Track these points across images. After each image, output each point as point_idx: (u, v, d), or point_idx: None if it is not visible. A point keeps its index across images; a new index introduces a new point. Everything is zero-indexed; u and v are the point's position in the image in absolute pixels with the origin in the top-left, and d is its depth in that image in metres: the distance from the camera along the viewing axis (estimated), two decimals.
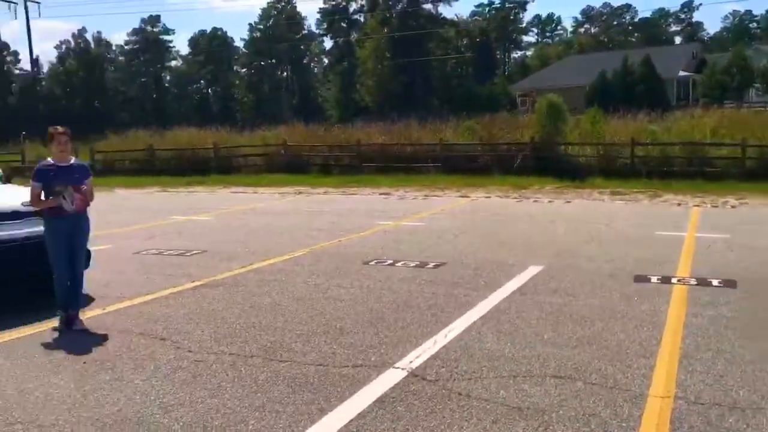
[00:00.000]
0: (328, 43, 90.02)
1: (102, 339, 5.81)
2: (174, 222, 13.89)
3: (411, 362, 5.04)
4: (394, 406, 4.26)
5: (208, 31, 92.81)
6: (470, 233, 11.61)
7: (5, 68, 78.62)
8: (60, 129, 6.01)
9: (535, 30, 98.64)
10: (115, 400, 4.40)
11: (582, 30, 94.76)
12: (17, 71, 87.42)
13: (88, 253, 7.01)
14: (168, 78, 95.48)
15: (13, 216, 6.60)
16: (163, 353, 5.37)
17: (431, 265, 8.73)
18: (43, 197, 5.99)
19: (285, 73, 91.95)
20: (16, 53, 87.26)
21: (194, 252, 10.06)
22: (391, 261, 9.02)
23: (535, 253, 9.45)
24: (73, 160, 6.15)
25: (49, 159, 6.10)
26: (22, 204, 6.36)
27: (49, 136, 6.03)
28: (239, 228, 12.77)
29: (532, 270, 8.30)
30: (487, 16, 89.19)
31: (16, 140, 35.52)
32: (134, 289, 7.72)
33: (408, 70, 66.31)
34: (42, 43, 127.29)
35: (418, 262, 8.88)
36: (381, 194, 19.04)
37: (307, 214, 14.95)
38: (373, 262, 8.95)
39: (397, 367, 4.95)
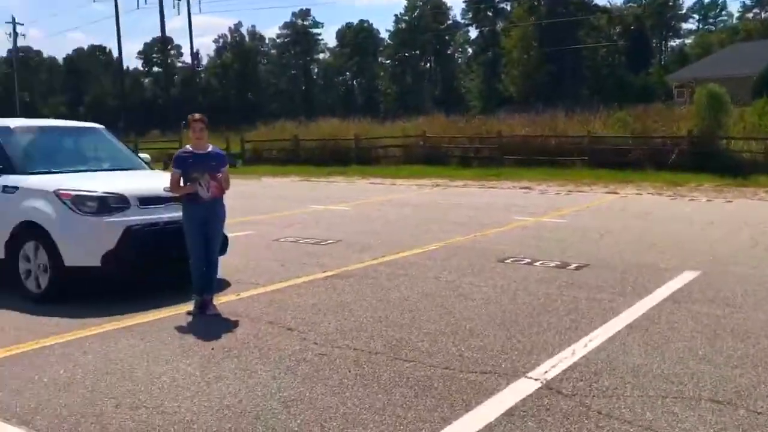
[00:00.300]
0: (473, 33, 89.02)
1: (232, 325, 5.84)
2: (313, 211, 14.10)
3: (545, 372, 4.63)
4: (525, 421, 3.89)
5: (355, 24, 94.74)
6: (617, 233, 10.84)
7: (169, 61, 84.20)
8: (197, 116, 6.11)
9: (696, 16, 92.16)
10: (237, 391, 4.35)
11: (750, 15, 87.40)
12: (179, 64, 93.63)
13: (225, 239, 7.13)
14: (316, 70, 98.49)
15: (156, 201, 6.82)
16: (289, 344, 5.30)
17: (572, 266, 8.16)
18: (182, 183, 6.13)
19: (428, 64, 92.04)
20: (178, 47, 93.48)
21: (329, 241, 10.08)
22: (528, 260, 8.53)
23: (691, 257, 8.61)
24: (210, 148, 6.24)
25: (188, 146, 6.22)
26: (164, 189, 6.53)
27: (188, 124, 6.15)
28: (375, 219, 12.72)
29: (687, 276, 7.53)
30: (643, 2, 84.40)
31: (177, 129, 37.92)
32: (268, 276, 7.79)
33: (555, 58, 64.11)
34: (202, 37, 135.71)
35: (558, 263, 8.35)
36: (521, 188, 18.41)
37: (444, 206, 14.68)
38: (509, 260, 8.52)
39: (530, 377, 4.55)
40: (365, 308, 6.32)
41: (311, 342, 5.34)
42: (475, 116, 33.52)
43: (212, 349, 5.21)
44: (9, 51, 67.04)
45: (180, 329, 5.76)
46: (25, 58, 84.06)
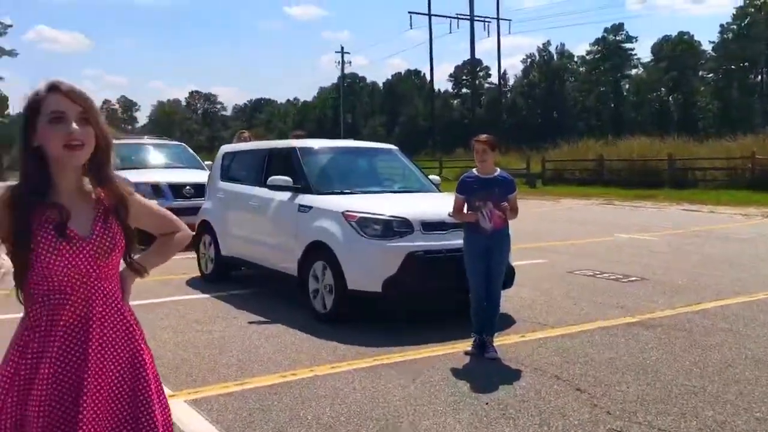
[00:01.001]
0: None
1: (512, 375, 5.13)
2: (614, 240, 12.78)
3: None
4: None
5: (673, 36, 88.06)
6: None
7: (477, 83, 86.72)
8: (482, 138, 5.52)
9: None
10: None
11: None
12: (486, 85, 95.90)
13: (511, 270, 6.50)
14: (627, 86, 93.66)
15: (439, 226, 6.41)
16: (576, 410, 4.41)
17: None
18: (465, 210, 5.60)
19: (759, 77, 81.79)
20: (487, 68, 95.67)
21: (632, 278, 8.85)
22: None
23: None
24: (497, 173, 5.61)
25: (473, 170, 5.68)
26: (448, 214, 6.07)
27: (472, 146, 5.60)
28: (689, 254, 11.03)
29: None
30: None
31: None
32: (558, 315, 6.94)
33: None
34: (510, 57, 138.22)
35: None
36: None
37: None
38: None
39: None
40: (675, 372, 5.15)
41: (604, 411, 4.40)
42: None
43: (486, 403, 4.55)
44: (338, 78, 74.73)
45: (455, 372, 5.21)
46: (350, 84, 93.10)
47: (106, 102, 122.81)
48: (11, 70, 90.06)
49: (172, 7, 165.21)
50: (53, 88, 1.95)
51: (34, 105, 1.94)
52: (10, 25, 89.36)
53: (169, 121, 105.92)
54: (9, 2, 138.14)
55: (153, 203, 2.33)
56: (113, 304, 2.05)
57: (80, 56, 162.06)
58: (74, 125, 1.92)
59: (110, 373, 2.01)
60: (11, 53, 77.96)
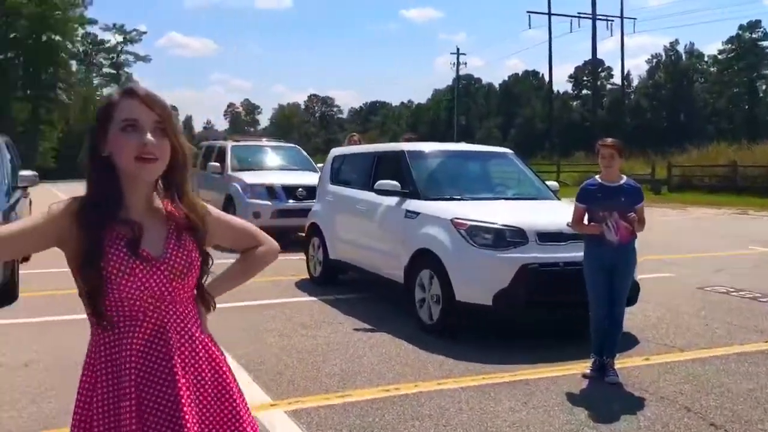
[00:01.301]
0: None
1: (635, 403, 4.65)
2: (751, 253, 11.73)
3: None
4: None
5: None
6: None
7: (599, 83, 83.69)
8: (608, 141, 5.05)
9: None
10: None
11: None
12: (609, 86, 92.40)
13: (635, 287, 5.98)
14: (763, 87, 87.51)
15: (556, 237, 5.98)
16: None
17: None
18: (586, 221, 5.16)
19: None
20: (609, 69, 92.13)
21: None
22: None
23: None
24: (623, 180, 5.13)
25: (596, 177, 5.22)
26: (567, 225, 5.64)
27: (597, 150, 5.14)
28: None
29: None
30: None
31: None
32: (687, 337, 6.33)
33: None
34: (635, 58, 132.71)
35: None
36: None
37: None
38: None
39: None
40: None
41: None
42: None
43: None
44: (453, 80, 74.33)
45: (570, 397, 4.78)
46: (466, 85, 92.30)
47: (230, 105, 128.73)
48: (145, 75, 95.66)
49: (293, 12, 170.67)
50: (129, 92, 1.76)
51: (108, 109, 1.75)
52: (145, 32, 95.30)
53: (288, 124, 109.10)
54: (143, 11, 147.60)
55: (231, 217, 2.13)
56: (190, 331, 1.81)
57: (208, 61, 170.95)
58: (149, 136, 1.71)
59: (200, 416, 1.79)
60: (145, 59, 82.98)
